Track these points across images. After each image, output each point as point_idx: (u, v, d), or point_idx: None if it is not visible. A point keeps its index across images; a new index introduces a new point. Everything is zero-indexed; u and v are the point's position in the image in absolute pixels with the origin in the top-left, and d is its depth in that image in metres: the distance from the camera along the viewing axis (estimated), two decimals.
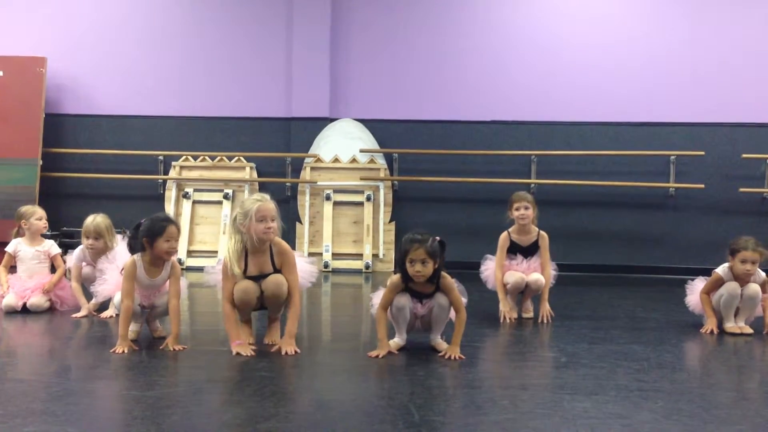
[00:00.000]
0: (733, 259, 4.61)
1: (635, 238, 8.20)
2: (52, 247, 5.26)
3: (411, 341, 4.02)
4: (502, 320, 4.85)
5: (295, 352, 3.84)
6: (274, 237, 3.90)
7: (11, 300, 4.97)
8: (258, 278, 3.98)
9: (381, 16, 8.47)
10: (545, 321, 4.87)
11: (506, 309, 4.90)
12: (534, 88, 8.30)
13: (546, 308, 4.93)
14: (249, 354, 3.76)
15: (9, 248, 5.19)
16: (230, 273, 3.90)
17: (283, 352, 3.82)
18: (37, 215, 5.21)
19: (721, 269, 4.69)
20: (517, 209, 5.01)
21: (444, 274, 3.87)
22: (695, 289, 4.85)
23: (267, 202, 3.89)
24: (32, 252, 5.17)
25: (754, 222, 7.94)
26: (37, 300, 4.99)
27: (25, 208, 5.26)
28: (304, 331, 4.62)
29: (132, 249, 4.03)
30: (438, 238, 3.82)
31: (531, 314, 5.10)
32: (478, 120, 8.35)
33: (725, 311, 4.67)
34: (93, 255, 5.00)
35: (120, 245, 4.76)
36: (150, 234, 3.95)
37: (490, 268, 5.15)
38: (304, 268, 4.31)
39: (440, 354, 3.83)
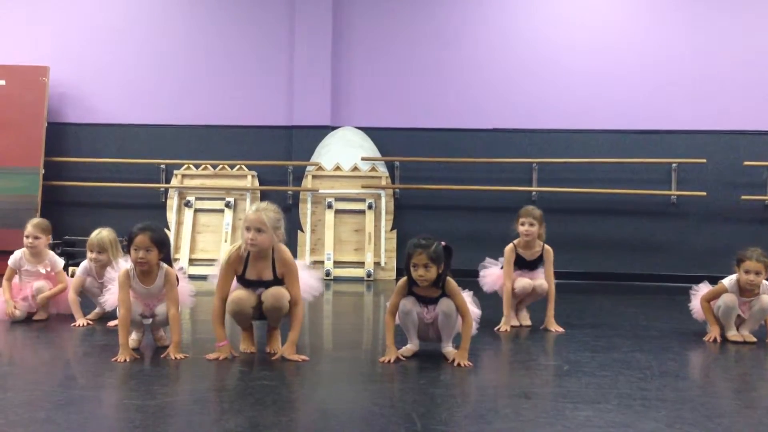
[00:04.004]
0: (738, 269, 4.60)
1: (637, 246, 8.18)
2: (55, 264, 5.13)
3: (421, 347, 4.02)
4: (496, 329, 4.84)
5: (302, 360, 3.84)
6: (254, 249, 3.86)
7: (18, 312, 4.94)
8: (257, 284, 3.97)
9: (382, 25, 8.50)
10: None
11: (504, 321, 4.91)
12: (535, 95, 8.31)
13: (554, 325, 4.92)
14: (227, 357, 3.84)
15: (11, 262, 5.08)
16: (224, 266, 3.94)
17: (287, 357, 3.83)
18: (26, 232, 5.07)
19: (728, 280, 4.67)
20: (522, 224, 5.00)
21: (449, 279, 3.89)
22: (699, 294, 4.84)
23: (256, 212, 3.87)
24: (34, 271, 5.08)
25: (756, 229, 7.93)
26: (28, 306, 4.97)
27: (29, 222, 5.14)
28: (305, 340, 4.61)
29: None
30: (444, 243, 3.84)
31: (529, 322, 5.10)
32: (479, 128, 8.36)
33: (725, 321, 4.66)
34: (98, 268, 4.98)
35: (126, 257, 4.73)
36: (128, 242, 3.99)
37: (488, 275, 5.16)
38: (308, 281, 4.26)
39: (449, 361, 3.84)
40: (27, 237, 5.07)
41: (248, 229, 3.85)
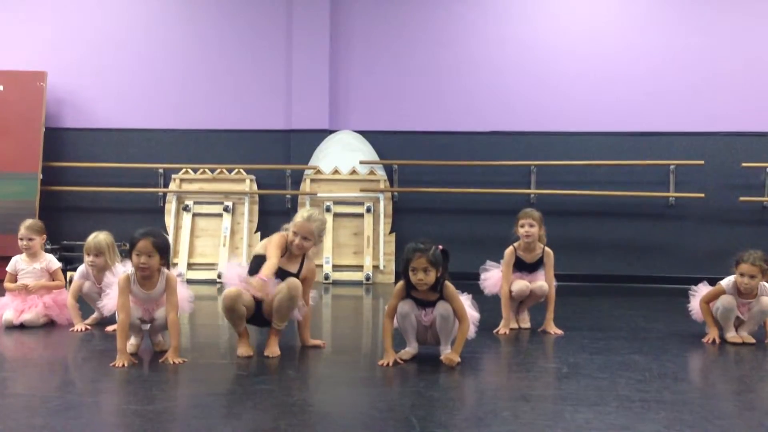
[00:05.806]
0: (736, 270, 4.60)
1: (635, 248, 8.19)
2: (50, 262, 5.17)
3: (419, 351, 4.03)
4: (495, 332, 4.84)
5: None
6: (300, 253, 4.17)
7: (9, 315, 4.93)
8: (280, 272, 4.11)
9: (380, 29, 8.50)
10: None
11: (503, 323, 4.90)
12: (533, 98, 8.32)
13: (553, 328, 4.92)
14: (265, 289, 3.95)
15: (9, 267, 5.12)
16: (276, 240, 4.15)
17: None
18: (20, 234, 5.11)
19: (726, 281, 4.68)
20: (521, 226, 5.00)
21: (447, 283, 3.90)
22: (698, 295, 4.84)
23: (308, 222, 4.13)
24: (30, 269, 5.11)
25: (754, 231, 7.93)
26: (30, 316, 4.93)
27: (22, 224, 5.18)
28: None
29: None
30: (441, 247, 3.86)
31: (529, 324, 5.10)
32: (477, 131, 8.36)
33: (723, 323, 4.67)
34: (95, 272, 4.98)
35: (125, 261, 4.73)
36: (129, 248, 3.98)
37: (489, 278, 5.16)
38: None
39: (440, 358, 3.87)
40: (21, 239, 5.11)
41: (296, 234, 4.10)
